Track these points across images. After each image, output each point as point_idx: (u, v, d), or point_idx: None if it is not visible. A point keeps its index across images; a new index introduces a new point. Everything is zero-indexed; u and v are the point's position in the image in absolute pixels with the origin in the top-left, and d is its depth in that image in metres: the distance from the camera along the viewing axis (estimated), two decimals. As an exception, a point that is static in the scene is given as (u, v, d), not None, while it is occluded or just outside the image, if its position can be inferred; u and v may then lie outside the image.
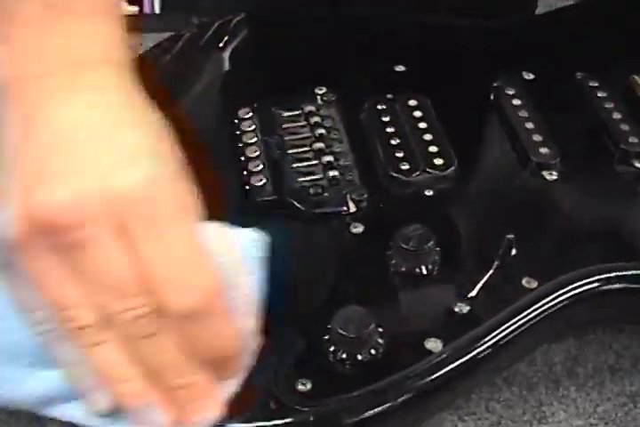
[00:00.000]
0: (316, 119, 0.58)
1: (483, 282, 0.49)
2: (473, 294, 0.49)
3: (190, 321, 0.40)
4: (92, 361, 0.41)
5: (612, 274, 0.50)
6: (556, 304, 0.49)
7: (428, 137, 0.56)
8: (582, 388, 0.54)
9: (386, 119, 0.57)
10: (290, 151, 0.56)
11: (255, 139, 0.56)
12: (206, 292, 0.40)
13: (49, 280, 0.40)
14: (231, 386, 0.45)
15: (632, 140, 0.56)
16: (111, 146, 0.40)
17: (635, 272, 0.50)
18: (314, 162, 0.55)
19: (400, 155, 0.55)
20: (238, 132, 0.57)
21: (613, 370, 0.55)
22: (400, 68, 0.62)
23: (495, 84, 0.60)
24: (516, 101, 0.58)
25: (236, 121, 0.58)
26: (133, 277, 0.39)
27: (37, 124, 0.40)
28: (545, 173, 0.55)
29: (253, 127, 0.57)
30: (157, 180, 0.40)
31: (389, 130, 0.57)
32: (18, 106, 0.41)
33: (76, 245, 0.39)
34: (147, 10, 0.75)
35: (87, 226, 0.38)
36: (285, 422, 0.45)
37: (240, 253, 0.44)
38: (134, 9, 0.74)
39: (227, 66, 0.62)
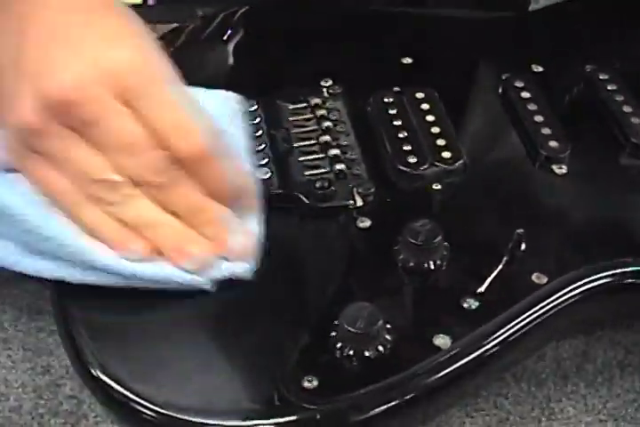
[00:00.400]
0: (323, 112, 0.57)
1: (492, 277, 0.49)
2: (482, 289, 0.48)
3: (201, 163, 0.46)
4: (127, 213, 0.47)
5: (623, 269, 0.49)
6: (566, 300, 0.48)
7: (435, 130, 0.56)
8: (591, 384, 0.54)
9: (393, 112, 0.57)
10: (296, 144, 0.55)
11: (261, 132, 0.56)
12: (207, 134, 0.46)
13: (75, 155, 0.46)
14: (253, 224, 0.50)
15: (643, 133, 0.55)
16: (96, 33, 0.46)
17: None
18: (320, 155, 0.55)
19: (407, 148, 0.55)
20: (244, 126, 0.56)
21: (623, 366, 0.54)
22: (407, 60, 0.61)
23: (504, 77, 0.60)
24: (525, 94, 0.58)
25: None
26: (144, 136, 0.45)
27: (31, 27, 0.46)
28: (554, 167, 0.54)
29: (259, 120, 0.56)
30: (141, 53, 0.47)
31: (396, 123, 0.56)
32: (13, 16, 0.47)
33: (87, 120, 0.45)
34: (150, 1, 0.74)
35: (92, 102, 0.44)
36: (292, 420, 0.44)
37: (220, 107, 0.52)
38: (138, 0, 0.74)
39: (231, 58, 0.62)
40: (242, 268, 0.49)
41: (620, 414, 0.52)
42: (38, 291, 0.56)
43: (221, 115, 0.51)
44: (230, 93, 0.54)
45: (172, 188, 0.47)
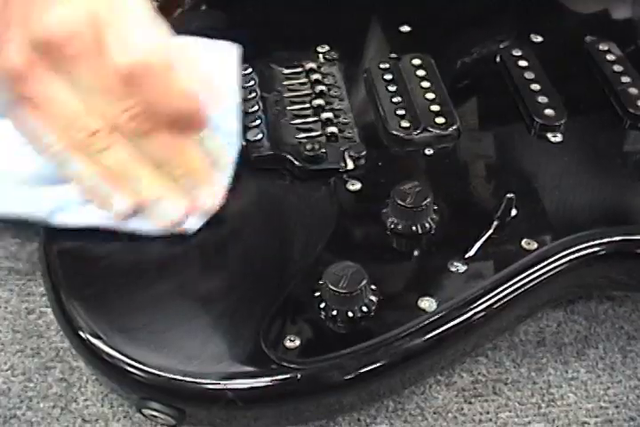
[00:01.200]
0: (317, 76, 0.57)
1: (481, 242, 0.48)
2: (471, 253, 0.48)
3: (141, 78, 0.46)
4: (106, 164, 0.48)
5: (614, 238, 0.49)
6: (555, 267, 0.48)
7: (430, 96, 0.55)
8: (593, 370, 0.53)
9: (388, 77, 0.57)
10: (289, 108, 0.55)
11: (254, 94, 0.55)
12: (156, 53, 0.46)
13: (55, 100, 0.47)
14: (224, 178, 0.51)
15: (640, 103, 0.55)
16: None
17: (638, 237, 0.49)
18: (313, 119, 0.54)
19: (401, 112, 0.54)
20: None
21: (625, 352, 0.54)
22: (405, 28, 0.61)
23: (502, 46, 0.59)
24: (523, 62, 0.58)
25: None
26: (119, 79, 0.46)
27: None
28: (549, 135, 0.54)
29: (252, 83, 0.56)
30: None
31: (391, 88, 0.56)
32: None
33: (70, 59, 0.46)
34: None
35: (75, 41, 0.45)
36: (272, 380, 0.44)
37: (216, 57, 0.54)
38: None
39: (229, 21, 0.62)
40: (191, 224, 0.49)
41: (621, 401, 0.51)
42: (29, 272, 0.56)
43: (218, 65, 0.53)
44: (229, 45, 0.56)
45: (149, 135, 0.47)
